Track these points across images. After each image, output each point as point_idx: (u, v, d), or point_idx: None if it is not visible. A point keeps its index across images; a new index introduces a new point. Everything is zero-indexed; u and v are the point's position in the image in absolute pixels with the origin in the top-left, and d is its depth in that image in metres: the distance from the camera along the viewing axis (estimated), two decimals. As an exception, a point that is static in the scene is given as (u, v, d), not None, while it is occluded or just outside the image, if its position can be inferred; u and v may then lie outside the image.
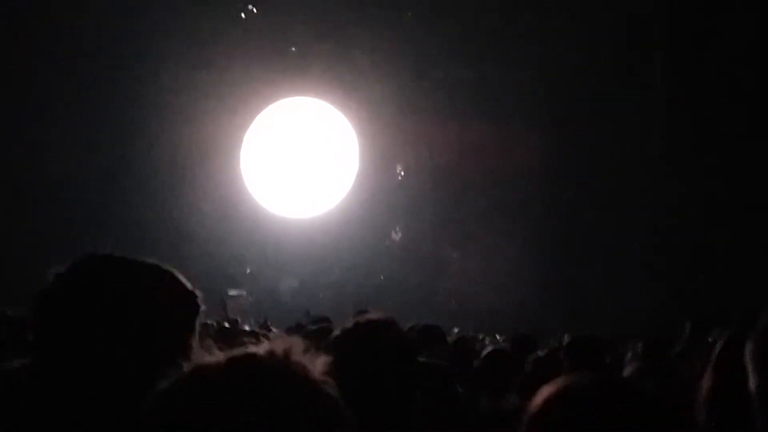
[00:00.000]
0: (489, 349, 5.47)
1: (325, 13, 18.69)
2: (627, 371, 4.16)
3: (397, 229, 19.53)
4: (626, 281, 17.09)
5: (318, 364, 1.21)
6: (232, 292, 16.52)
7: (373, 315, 2.80)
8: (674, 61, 18.30)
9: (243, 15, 19.39)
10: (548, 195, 18.84)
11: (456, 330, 9.46)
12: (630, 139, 18.44)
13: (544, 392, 1.47)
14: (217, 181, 19.45)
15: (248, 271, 18.45)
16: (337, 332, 2.74)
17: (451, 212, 18.79)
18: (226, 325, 9.07)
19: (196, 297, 1.87)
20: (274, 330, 8.08)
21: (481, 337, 10.24)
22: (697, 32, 17.58)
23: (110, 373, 1.74)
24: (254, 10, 19.40)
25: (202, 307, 1.87)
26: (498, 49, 18.38)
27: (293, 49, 19.32)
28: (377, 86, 18.76)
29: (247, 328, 9.44)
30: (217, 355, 1.21)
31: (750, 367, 1.74)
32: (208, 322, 9.68)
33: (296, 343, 1.22)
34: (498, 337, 10.55)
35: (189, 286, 1.86)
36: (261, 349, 1.21)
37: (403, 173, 19.71)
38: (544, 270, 18.17)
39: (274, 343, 1.22)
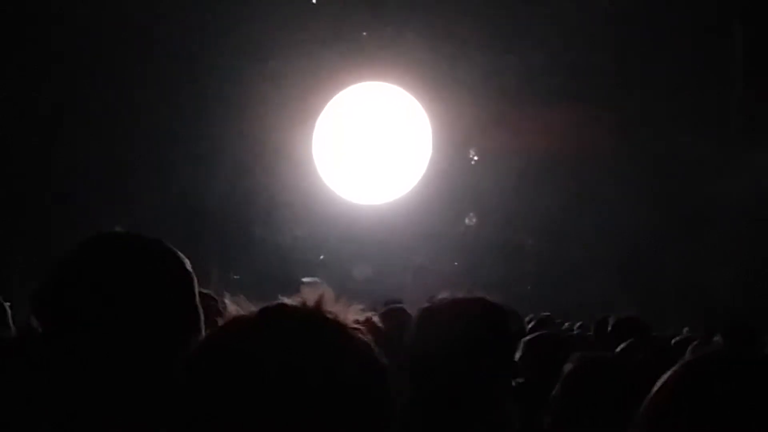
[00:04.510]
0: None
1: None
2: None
3: (471, 214, 19.30)
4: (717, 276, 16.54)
5: (350, 313, 1.22)
6: (306, 279, 16.54)
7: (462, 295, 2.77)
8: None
9: (314, 0, 19.32)
10: (627, 183, 18.37)
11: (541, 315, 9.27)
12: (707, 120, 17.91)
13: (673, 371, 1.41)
14: (290, 168, 19.46)
15: (321, 257, 18.47)
16: (426, 305, 2.69)
17: (527, 198, 18.45)
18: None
19: (191, 276, 1.96)
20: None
21: (558, 321, 10.10)
22: None
23: (114, 346, 1.82)
24: (325, -5, 19.33)
25: (196, 287, 1.96)
26: (575, 31, 17.98)
27: (364, 33, 19.20)
28: (449, 69, 18.53)
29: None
30: (249, 308, 1.23)
31: None
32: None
33: (328, 293, 1.23)
34: (576, 324, 10.39)
35: (188, 265, 1.97)
36: (294, 299, 1.22)
37: (476, 158, 19.45)
38: (623, 258, 17.76)
39: (306, 293, 1.23)
